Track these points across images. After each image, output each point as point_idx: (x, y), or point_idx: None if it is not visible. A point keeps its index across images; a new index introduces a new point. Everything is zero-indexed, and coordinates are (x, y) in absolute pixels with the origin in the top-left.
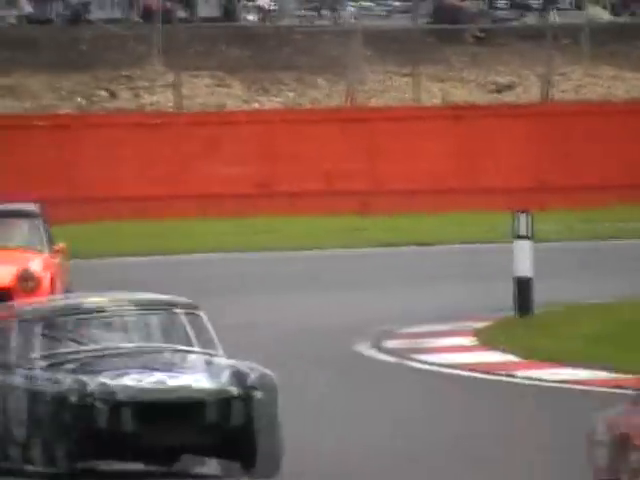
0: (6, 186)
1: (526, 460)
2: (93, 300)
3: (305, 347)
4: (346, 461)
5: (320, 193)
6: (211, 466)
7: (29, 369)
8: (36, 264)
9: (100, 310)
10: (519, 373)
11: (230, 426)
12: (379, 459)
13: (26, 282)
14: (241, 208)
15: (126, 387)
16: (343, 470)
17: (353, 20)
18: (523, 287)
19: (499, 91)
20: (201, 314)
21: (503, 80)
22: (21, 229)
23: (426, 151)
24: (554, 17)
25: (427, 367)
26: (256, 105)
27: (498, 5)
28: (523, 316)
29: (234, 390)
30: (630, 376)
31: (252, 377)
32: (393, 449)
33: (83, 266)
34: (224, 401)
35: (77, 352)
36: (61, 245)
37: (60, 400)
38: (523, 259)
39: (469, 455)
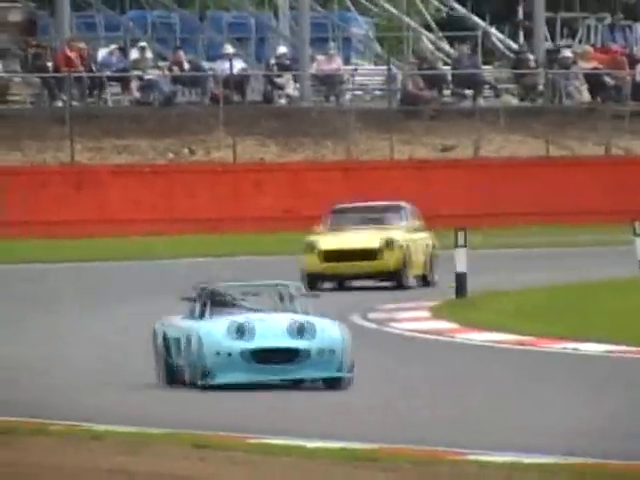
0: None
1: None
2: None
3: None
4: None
5: None
6: None
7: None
8: None
9: None
10: (458, 335)
11: None
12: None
13: None
14: (274, 227)
15: None
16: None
17: (350, 103)
18: (460, 279)
19: (446, 150)
20: None
21: (448, 143)
22: None
23: (398, 190)
24: (481, 102)
25: (397, 331)
26: (286, 159)
27: (444, 93)
28: (461, 298)
29: None
30: (531, 337)
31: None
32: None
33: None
34: None
35: None
36: None
37: None
38: (461, 260)
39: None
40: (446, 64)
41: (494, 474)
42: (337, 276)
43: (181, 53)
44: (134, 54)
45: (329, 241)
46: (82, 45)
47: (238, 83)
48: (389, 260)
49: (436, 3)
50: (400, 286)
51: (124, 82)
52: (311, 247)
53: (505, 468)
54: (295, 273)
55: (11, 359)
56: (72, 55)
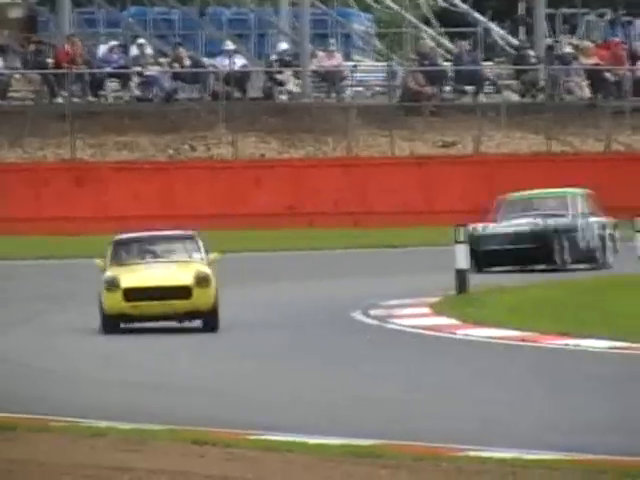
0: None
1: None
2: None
3: (320, 313)
4: None
5: (329, 213)
6: None
7: None
8: None
9: None
10: (458, 331)
11: None
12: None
13: None
14: (275, 223)
15: None
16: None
17: (350, 99)
18: (461, 275)
19: (446, 146)
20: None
21: (449, 139)
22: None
23: (399, 185)
24: (482, 98)
25: (398, 327)
26: (286, 155)
27: (445, 90)
28: (461, 294)
29: None
30: (531, 333)
31: None
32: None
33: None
34: None
35: None
36: None
37: None
38: (461, 257)
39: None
40: (447, 60)
41: (496, 470)
42: (142, 317)
43: (181, 49)
44: (134, 50)
45: (130, 278)
46: (78, 42)
47: (238, 79)
48: (202, 298)
49: None
50: (213, 328)
51: (124, 79)
52: (112, 284)
53: (506, 464)
54: (298, 268)
55: (16, 353)
56: (72, 51)
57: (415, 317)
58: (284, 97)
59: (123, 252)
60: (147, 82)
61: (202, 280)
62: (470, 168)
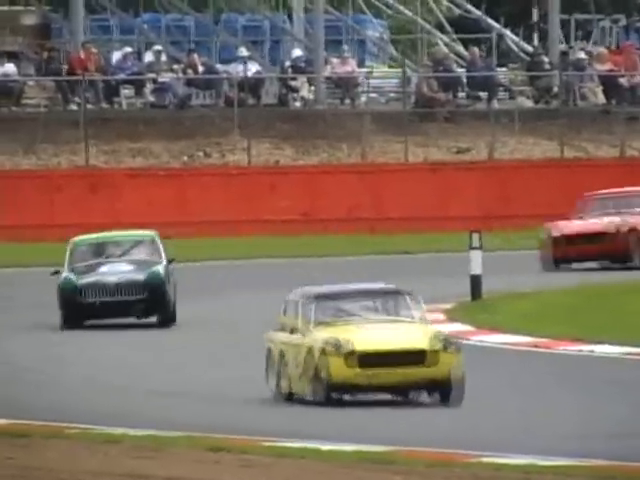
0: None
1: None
2: None
3: None
4: None
5: (343, 219)
6: None
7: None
8: None
9: None
10: (472, 337)
11: None
12: None
13: None
14: (290, 230)
15: None
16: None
17: (364, 105)
18: (475, 281)
19: (460, 153)
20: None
21: (463, 145)
22: None
23: (413, 191)
24: (496, 104)
25: None
26: (301, 162)
27: (459, 96)
28: (475, 300)
29: None
30: (546, 339)
31: None
32: None
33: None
34: None
35: None
36: None
37: None
38: (475, 262)
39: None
40: (461, 66)
41: (510, 476)
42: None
43: (195, 56)
44: (148, 57)
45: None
46: (93, 49)
47: (253, 86)
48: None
49: (448, 4)
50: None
51: (138, 85)
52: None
53: (521, 471)
54: (305, 276)
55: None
56: (86, 58)
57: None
58: (298, 104)
59: (319, 310)
60: (161, 89)
61: (446, 344)
62: (484, 174)
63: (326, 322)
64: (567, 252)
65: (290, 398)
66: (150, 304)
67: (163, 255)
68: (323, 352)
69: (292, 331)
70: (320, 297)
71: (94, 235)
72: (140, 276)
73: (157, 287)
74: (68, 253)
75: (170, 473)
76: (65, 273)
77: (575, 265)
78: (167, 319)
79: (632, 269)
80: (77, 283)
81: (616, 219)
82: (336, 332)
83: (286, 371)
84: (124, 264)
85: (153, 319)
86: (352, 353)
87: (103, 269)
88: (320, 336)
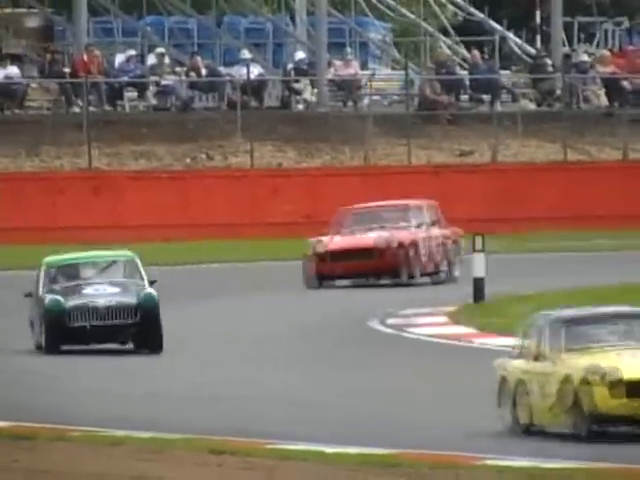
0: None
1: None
2: None
3: (338, 322)
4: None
5: None
6: None
7: None
8: None
9: None
10: (475, 340)
11: None
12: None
13: None
14: (292, 232)
15: None
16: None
17: (367, 108)
18: (478, 284)
19: (463, 155)
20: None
21: (466, 148)
22: None
23: (416, 194)
24: (498, 107)
25: (415, 337)
26: (304, 165)
27: (461, 98)
28: (478, 303)
29: None
30: None
31: None
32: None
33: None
34: None
35: None
36: None
37: None
38: (478, 265)
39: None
40: (463, 69)
41: (513, 479)
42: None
43: (198, 59)
44: (151, 60)
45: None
46: (96, 52)
47: (255, 88)
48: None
49: (453, 8)
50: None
51: (141, 88)
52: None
53: (524, 473)
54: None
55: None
56: (89, 61)
57: (432, 326)
58: (301, 106)
59: (570, 335)
60: (164, 91)
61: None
62: (487, 177)
63: (578, 348)
64: (333, 268)
65: (528, 430)
66: (143, 329)
67: (145, 277)
68: (585, 381)
69: (536, 358)
70: (569, 321)
71: (68, 255)
72: (132, 299)
73: (151, 310)
74: (42, 274)
75: (173, 475)
76: (50, 295)
77: (339, 282)
78: (157, 346)
79: (400, 285)
80: (65, 306)
81: (384, 234)
82: (595, 359)
83: (527, 401)
84: (108, 286)
85: (140, 346)
86: (619, 382)
87: (88, 291)
88: (578, 364)
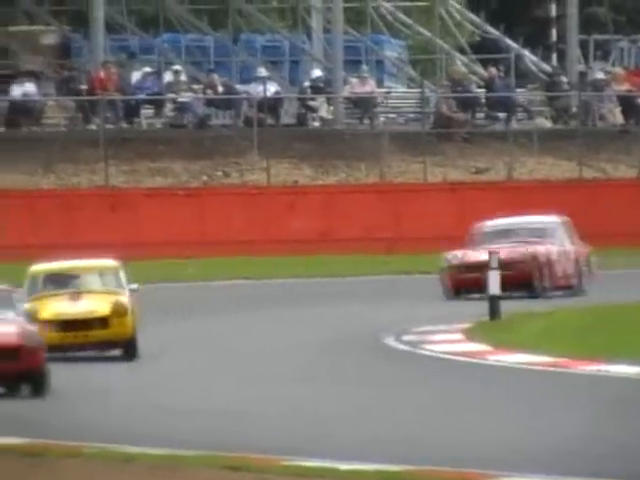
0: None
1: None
2: None
3: (352, 338)
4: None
5: (361, 239)
6: None
7: None
8: None
9: None
10: (490, 357)
11: None
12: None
13: None
14: (308, 249)
15: None
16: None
17: (383, 125)
18: (494, 301)
19: (479, 173)
20: None
21: (481, 165)
22: None
23: (432, 211)
24: (514, 124)
25: (430, 353)
26: (319, 182)
27: (477, 116)
28: (494, 320)
29: None
30: (564, 359)
31: None
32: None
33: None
34: None
35: None
36: None
37: None
38: (494, 283)
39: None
40: (479, 87)
41: None
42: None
43: (215, 76)
44: (168, 77)
45: None
46: (113, 69)
47: (272, 106)
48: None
49: (470, 27)
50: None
51: (158, 105)
52: None
53: None
54: (331, 294)
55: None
56: (106, 78)
57: (447, 343)
58: (317, 123)
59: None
60: (181, 108)
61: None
62: (503, 194)
63: None
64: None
65: None
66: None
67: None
68: None
69: None
70: None
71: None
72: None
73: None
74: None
75: None
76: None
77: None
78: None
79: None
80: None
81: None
82: None
83: None
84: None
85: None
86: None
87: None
88: None
